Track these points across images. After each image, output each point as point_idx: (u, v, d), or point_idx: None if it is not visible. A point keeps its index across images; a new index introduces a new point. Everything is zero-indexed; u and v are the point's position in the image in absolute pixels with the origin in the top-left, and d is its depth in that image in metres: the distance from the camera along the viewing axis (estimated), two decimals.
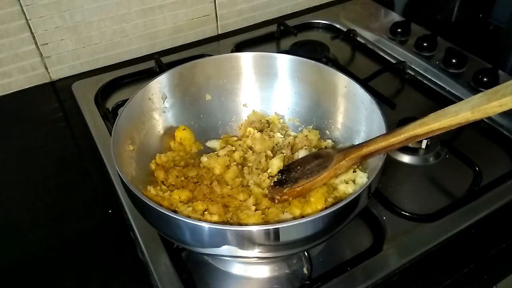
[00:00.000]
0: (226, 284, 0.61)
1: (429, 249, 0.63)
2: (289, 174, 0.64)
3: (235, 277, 0.62)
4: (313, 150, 0.70)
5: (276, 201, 0.62)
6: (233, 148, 0.72)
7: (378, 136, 0.56)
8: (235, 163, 0.70)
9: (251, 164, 0.70)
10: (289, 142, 0.73)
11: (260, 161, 0.69)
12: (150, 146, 0.69)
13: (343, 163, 0.59)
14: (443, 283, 0.60)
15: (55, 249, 0.66)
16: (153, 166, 0.68)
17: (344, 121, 0.72)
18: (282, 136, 0.74)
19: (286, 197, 0.62)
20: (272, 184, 0.65)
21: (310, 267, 0.59)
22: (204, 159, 0.70)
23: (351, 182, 0.64)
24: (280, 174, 0.65)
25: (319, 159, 0.63)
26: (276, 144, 0.73)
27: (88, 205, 0.73)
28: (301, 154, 0.68)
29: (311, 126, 0.75)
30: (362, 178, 0.63)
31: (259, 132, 0.74)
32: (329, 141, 0.73)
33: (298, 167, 0.64)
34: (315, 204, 0.60)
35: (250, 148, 0.73)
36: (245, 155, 0.71)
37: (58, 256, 0.66)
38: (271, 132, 0.75)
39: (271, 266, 0.62)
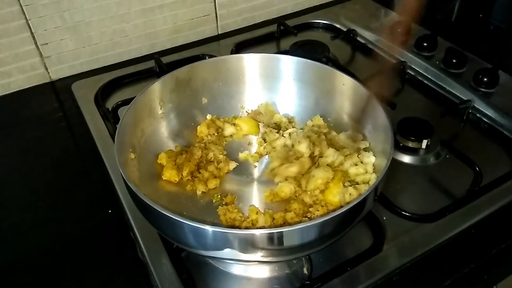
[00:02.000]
0: (226, 284, 0.61)
1: (429, 249, 0.63)
2: None
3: (235, 277, 0.62)
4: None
5: None
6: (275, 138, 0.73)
7: None
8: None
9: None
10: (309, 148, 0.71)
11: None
12: (151, 152, 0.69)
13: None
14: (443, 283, 0.60)
15: (55, 249, 0.66)
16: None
17: (347, 120, 0.72)
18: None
19: None
20: None
21: (310, 267, 0.59)
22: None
23: (360, 164, 0.65)
24: None
25: None
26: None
27: (88, 205, 0.73)
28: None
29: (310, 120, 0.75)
30: (369, 158, 0.65)
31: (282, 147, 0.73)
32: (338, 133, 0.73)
33: None
34: (334, 189, 0.63)
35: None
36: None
37: (58, 256, 0.65)
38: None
39: (271, 266, 0.62)
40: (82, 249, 0.66)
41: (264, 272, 0.62)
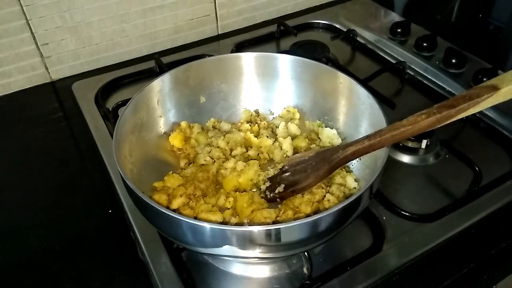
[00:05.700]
0: (226, 284, 0.61)
1: (429, 249, 0.63)
2: (283, 174, 0.65)
3: (235, 277, 0.62)
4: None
5: (269, 196, 0.63)
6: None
7: (365, 137, 0.57)
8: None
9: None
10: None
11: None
12: (149, 151, 0.69)
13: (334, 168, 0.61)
14: (443, 283, 0.60)
15: (55, 249, 0.66)
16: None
17: (345, 119, 0.72)
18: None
19: (278, 196, 0.63)
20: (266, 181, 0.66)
21: (310, 267, 0.59)
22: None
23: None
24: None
25: (308, 162, 0.62)
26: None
27: (88, 205, 0.73)
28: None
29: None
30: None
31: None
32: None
33: (292, 167, 0.64)
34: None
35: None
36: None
37: (58, 256, 0.66)
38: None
39: (271, 266, 0.62)
40: (82, 249, 0.66)
41: (264, 272, 0.62)
